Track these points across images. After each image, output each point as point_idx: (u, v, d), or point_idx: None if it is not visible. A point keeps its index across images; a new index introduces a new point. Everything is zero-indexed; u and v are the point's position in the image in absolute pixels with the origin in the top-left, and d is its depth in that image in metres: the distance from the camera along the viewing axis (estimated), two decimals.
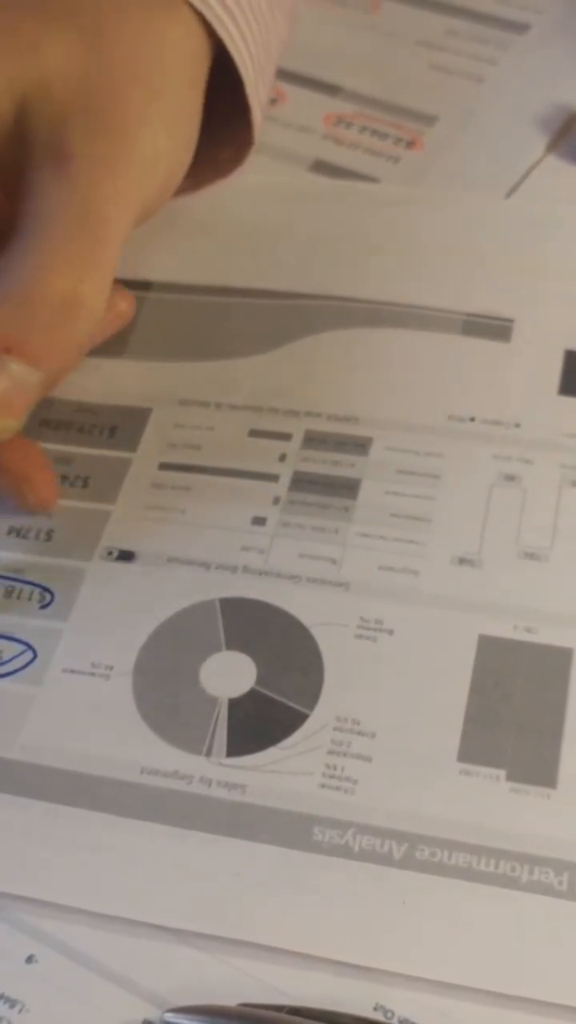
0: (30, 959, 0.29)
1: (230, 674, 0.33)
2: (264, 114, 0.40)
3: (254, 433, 0.38)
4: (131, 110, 0.35)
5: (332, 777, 0.31)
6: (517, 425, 0.37)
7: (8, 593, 0.35)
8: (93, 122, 0.34)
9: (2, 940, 0.29)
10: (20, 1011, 0.28)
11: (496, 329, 0.40)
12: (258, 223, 0.43)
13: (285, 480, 0.37)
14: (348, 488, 0.36)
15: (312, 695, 0.33)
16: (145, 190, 0.35)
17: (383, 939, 0.29)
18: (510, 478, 0.36)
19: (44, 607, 0.35)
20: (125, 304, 0.40)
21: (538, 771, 0.31)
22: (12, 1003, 0.28)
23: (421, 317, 0.40)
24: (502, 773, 0.31)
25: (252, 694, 0.33)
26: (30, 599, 0.35)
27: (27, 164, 0.34)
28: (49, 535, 0.36)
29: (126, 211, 0.34)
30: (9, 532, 0.36)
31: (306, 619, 0.34)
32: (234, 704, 0.33)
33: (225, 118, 0.39)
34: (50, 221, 0.33)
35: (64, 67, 0.35)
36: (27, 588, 0.35)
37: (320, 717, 0.32)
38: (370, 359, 0.39)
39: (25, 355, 0.32)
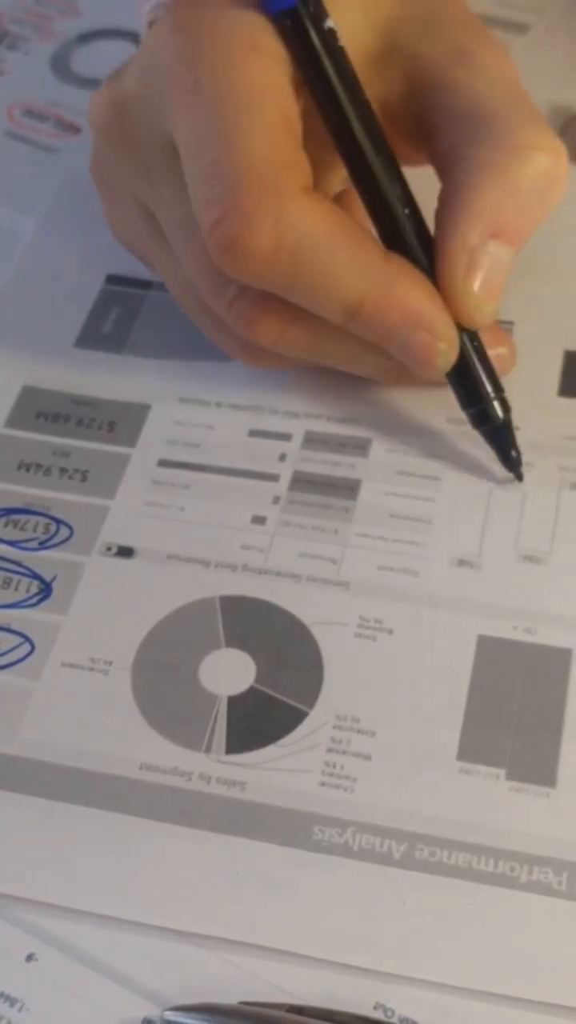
0: (30, 957, 0.29)
1: (229, 672, 0.33)
2: None
3: (254, 433, 0.38)
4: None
5: (331, 775, 0.31)
6: (517, 427, 0.37)
7: (6, 583, 0.35)
8: (462, 24, 0.35)
9: (1, 938, 0.29)
10: (20, 1010, 0.28)
11: None
12: None
13: (285, 480, 0.37)
14: (348, 489, 0.36)
15: (312, 693, 0.33)
16: None
17: (382, 939, 0.29)
18: (509, 480, 0.36)
19: (42, 599, 0.35)
20: (506, 349, 0.37)
21: (538, 770, 0.31)
22: (12, 1001, 0.28)
23: None
24: (502, 772, 0.31)
25: (251, 692, 0.33)
26: (28, 591, 0.35)
27: (423, 76, 0.35)
28: (47, 527, 0.36)
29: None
30: (7, 524, 0.36)
31: (306, 618, 0.34)
32: (233, 701, 0.33)
33: None
34: (496, 104, 0.34)
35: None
36: (25, 580, 0.35)
37: (320, 715, 0.32)
38: None
39: (507, 237, 0.33)
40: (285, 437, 0.38)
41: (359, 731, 0.32)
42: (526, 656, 0.33)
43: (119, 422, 0.38)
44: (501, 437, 0.36)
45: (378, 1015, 0.28)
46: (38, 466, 0.38)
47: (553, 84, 0.47)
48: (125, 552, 0.36)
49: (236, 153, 0.32)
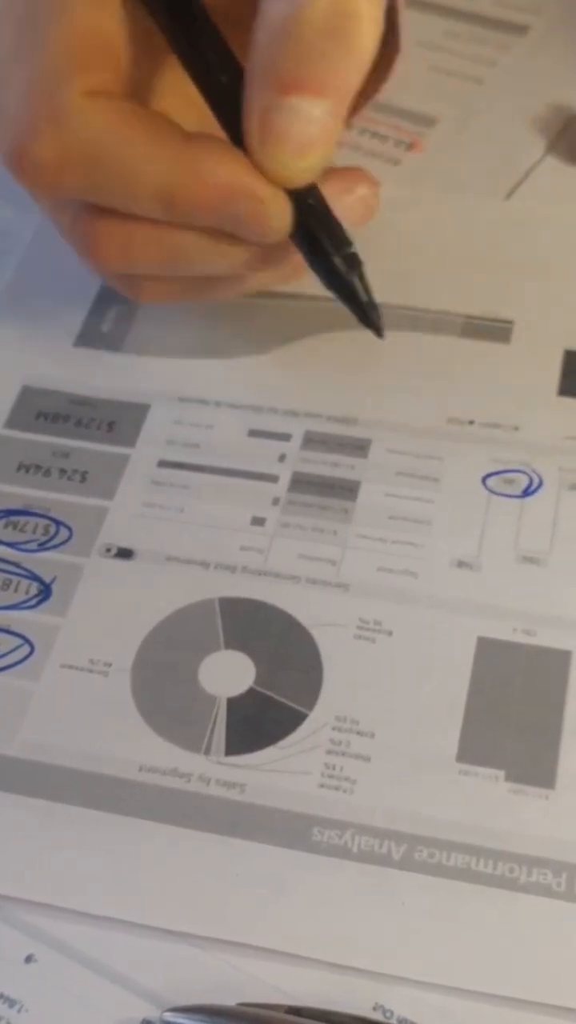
0: (29, 959, 0.29)
1: (229, 673, 0.33)
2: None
3: (254, 433, 0.38)
4: None
5: (331, 777, 0.31)
6: (516, 428, 0.37)
7: (6, 584, 0.35)
8: None
9: (1, 939, 0.29)
10: (19, 1011, 0.28)
11: (495, 331, 0.40)
12: None
13: (284, 481, 0.37)
14: (347, 490, 0.36)
15: (311, 695, 0.33)
16: None
17: (381, 940, 0.29)
18: (509, 481, 0.36)
19: (41, 601, 0.35)
20: (366, 188, 0.36)
21: (537, 772, 0.31)
22: (11, 1003, 0.28)
23: (421, 319, 0.40)
24: (501, 774, 0.31)
25: (251, 693, 0.33)
26: (27, 592, 0.35)
27: None
28: (47, 529, 0.36)
29: None
30: (6, 525, 0.36)
31: (305, 619, 0.34)
32: (233, 703, 0.33)
33: None
34: None
35: None
36: (25, 581, 0.35)
37: (319, 717, 0.32)
38: (370, 361, 0.39)
39: (307, 89, 0.31)
40: (285, 437, 0.38)
41: (358, 733, 0.32)
42: (526, 658, 0.33)
43: (118, 422, 0.38)
44: (350, 292, 0.34)
45: (377, 1016, 0.28)
46: (37, 467, 0.38)
47: (553, 84, 0.47)
48: (124, 553, 0.36)
49: (22, 68, 0.32)
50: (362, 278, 0.34)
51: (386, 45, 0.38)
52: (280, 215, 0.33)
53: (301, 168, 0.32)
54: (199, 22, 0.34)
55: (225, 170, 0.32)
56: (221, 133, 0.33)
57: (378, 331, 0.35)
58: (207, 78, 0.33)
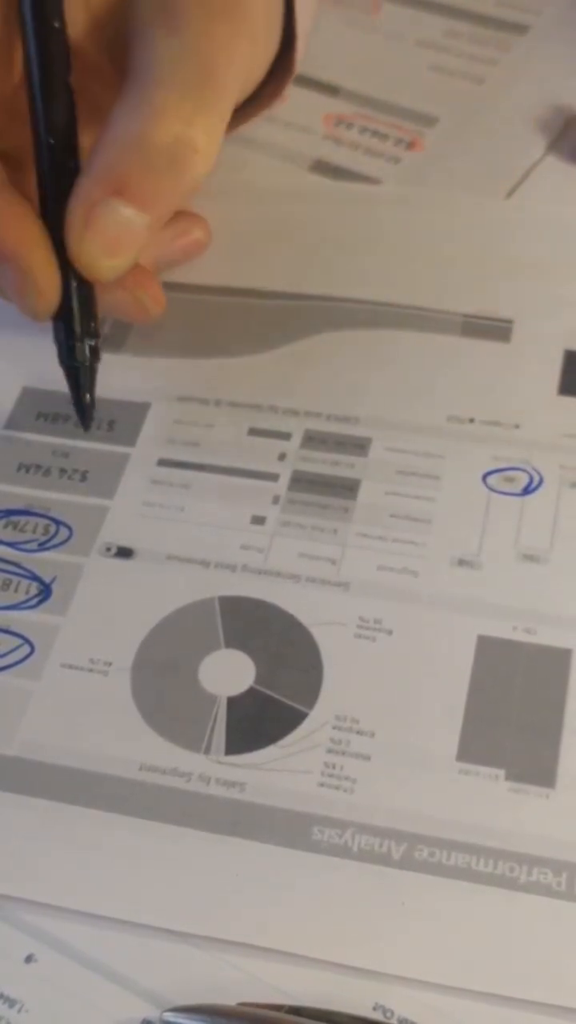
0: (29, 958, 0.29)
1: (229, 672, 0.33)
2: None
3: (253, 431, 0.38)
4: None
5: (331, 776, 0.31)
6: (516, 426, 0.37)
7: (6, 584, 0.35)
8: None
9: (1, 939, 0.29)
10: (19, 1011, 0.28)
11: (496, 330, 0.40)
12: (258, 223, 0.43)
13: (284, 479, 0.37)
14: (347, 488, 0.36)
15: (311, 694, 0.33)
16: (251, 57, 0.36)
17: (381, 940, 0.29)
18: (509, 480, 0.36)
19: (41, 601, 0.35)
20: (201, 231, 0.40)
21: (537, 771, 0.31)
22: (11, 1003, 0.28)
23: (421, 318, 0.40)
24: (501, 773, 0.31)
25: (251, 692, 0.33)
26: (27, 592, 0.35)
27: (134, 27, 0.35)
28: (47, 528, 0.36)
29: (237, 68, 0.35)
30: (7, 525, 0.36)
31: (305, 618, 0.34)
32: (233, 702, 0.33)
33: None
34: (163, 70, 0.34)
35: None
36: (25, 581, 0.35)
37: (319, 716, 0.32)
38: (370, 360, 0.39)
39: (134, 198, 0.33)
40: (285, 436, 0.38)
41: (358, 732, 0.32)
42: (526, 656, 0.33)
43: (118, 421, 0.38)
44: (79, 379, 0.36)
45: (377, 1016, 0.28)
46: (38, 467, 0.38)
47: (553, 84, 0.47)
48: (124, 552, 0.36)
49: None
50: (95, 372, 0.36)
51: (280, 66, 0.40)
52: (43, 296, 0.35)
53: (107, 265, 0.34)
54: (59, 86, 0.35)
55: (12, 234, 0.34)
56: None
57: (86, 426, 0.36)
58: (46, 144, 0.35)
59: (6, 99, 0.37)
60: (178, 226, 0.38)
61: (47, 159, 0.35)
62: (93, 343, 0.36)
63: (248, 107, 0.40)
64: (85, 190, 0.33)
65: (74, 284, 0.35)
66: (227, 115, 0.35)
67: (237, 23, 0.35)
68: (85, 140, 0.35)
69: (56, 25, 0.35)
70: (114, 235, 0.33)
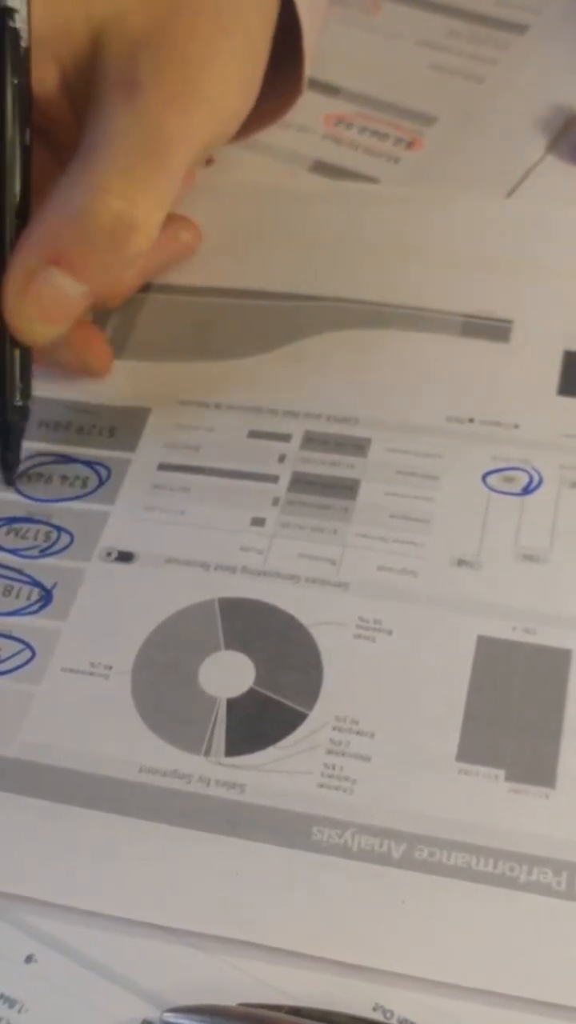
0: (29, 959, 0.29)
1: (229, 674, 0.33)
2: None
3: (253, 434, 0.38)
4: (201, 47, 0.36)
5: (331, 777, 0.31)
6: (516, 426, 0.37)
7: (7, 591, 0.35)
8: (164, 56, 0.35)
9: (1, 940, 0.29)
10: (19, 1011, 0.28)
11: (495, 330, 0.40)
12: (258, 223, 0.43)
13: (284, 481, 0.37)
14: (347, 489, 0.37)
15: (311, 695, 0.33)
16: (209, 126, 0.36)
17: (381, 939, 0.29)
18: (509, 479, 0.36)
19: (43, 606, 0.35)
20: (189, 235, 0.41)
21: (537, 771, 0.31)
22: (11, 1003, 0.28)
23: (420, 318, 0.40)
24: (501, 773, 0.31)
25: (251, 694, 0.33)
26: (28, 598, 0.35)
27: (96, 92, 0.35)
28: (48, 535, 0.36)
29: (189, 144, 0.35)
30: (8, 532, 0.36)
31: (305, 619, 0.34)
32: (233, 704, 0.33)
33: (273, 66, 0.40)
34: (111, 145, 0.34)
35: (140, 1, 0.36)
36: (26, 587, 0.35)
37: (319, 717, 0.32)
38: (369, 360, 0.39)
39: (71, 269, 0.34)
40: (284, 438, 0.38)
41: (358, 732, 0.32)
42: (526, 656, 0.33)
43: (119, 427, 0.39)
44: (7, 437, 0.37)
45: (377, 1016, 0.28)
46: (39, 474, 0.38)
47: (553, 84, 0.47)
48: (125, 557, 0.36)
49: None
50: (21, 431, 0.37)
51: (287, 81, 0.40)
52: None
53: (40, 331, 0.35)
54: (13, 147, 0.35)
55: None
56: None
57: (7, 480, 0.37)
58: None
59: None
60: (167, 230, 0.38)
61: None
62: (24, 403, 0.36)
63: (250, 124, 0.40)
64: (24, 256, 0.34)
65: (8, 346, 0.36)
66: (173, 191, 0.35)
67: (193, 89, 0.35)
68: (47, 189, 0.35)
69: (16, 82, 0.35)
70: (50, 302, 0.34)
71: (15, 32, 0.35)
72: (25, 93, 0.35)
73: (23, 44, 0.35)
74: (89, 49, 0.36)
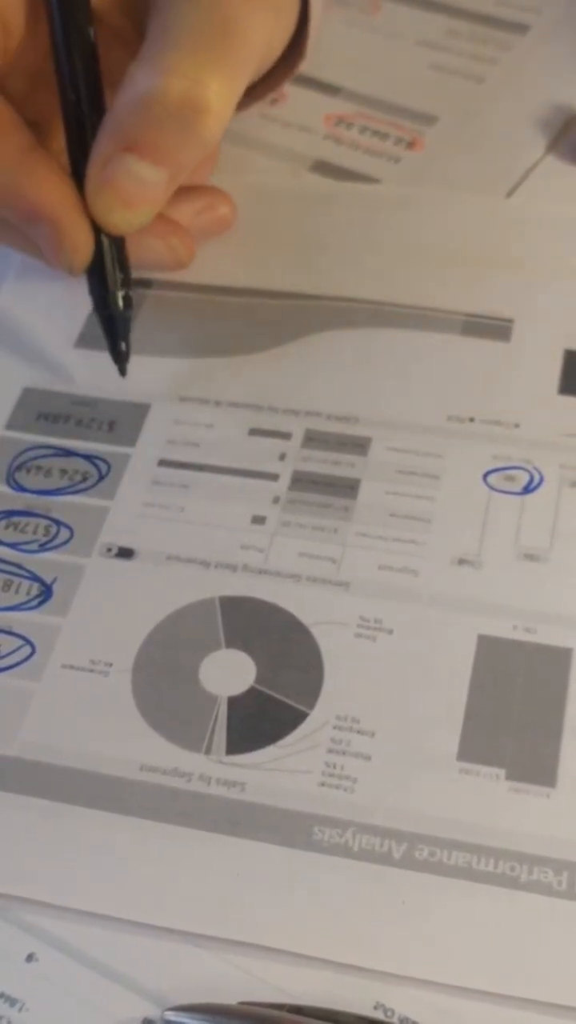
0: (30, 958, 0.29)
1: (230, 672, 0.33)
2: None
3: (254, 431, 0.38)
4: None
5: (332, 776, 0.31)
6: (517, 425, 0.37)
7: (7, 585, 0.35)
8: None
9: (2, 939, 0.29)
10: (20, 1010, 0.28)
11: (496, 329, 0.40)
12: (259, 224, 0.43)
13: (285, 479, 0.37)
14: (348, 488, 0.36)
15: (312, 694, 0.33)
16: (273, 28, 0.37)
17: (382, 939, 0.29)
18: (510, 479, 0.36)
19: (43, 602, 0.35)
20: (226, 208, 0.41)
21: (537, 770, 0.31)
22: (12, 1002, 0.28)
23: (421, 317, 0.40)
24: (502, 772, 0.31)
25: (251, 692, 0.33)
26: (28, 593, 0.35)
27: None
28: (47, 529, 0.36)
29: (256, 35, 0.36)
30: (7, 526, 0.36)
31: (305, 618, 0.34)
32: (233, 702, 0.33)
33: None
34: (178, 30, 0.35)
35: None
36: (26, 582, 0.35)
37: (320, 716, 0.32)
38: (370, 359, 0.39)
39: (145, 153, 0.34)
40: (285, 436, 0.38)
41: (359, 731, 0.32)
42: (526, 655, 0.33)
43: (119, 422, 0.38)
44: (114, 327, 0.37)
45: (378, 1015, 0.28)
46: (38, 468, 0.38)
47: (553, 84, 0.47)
48: (125, 553, 0.36)
49: None
50: (128, 320, 0.37)
51: (292, 49, 0.40)
52: (78, 252, 0.35)
53: (123, 219, 0.35)
54: (82, 45, 0.36)
55: (45, 191, 0.35)
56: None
57: (122, 371, 0.37)
58: (71, 101, 0.36)
59: (33, 68, 0.37)
60: (203, 200, 0.38)
61: (72, 117, 0.36)
62: (125, 293, 0.36)
63: (258, 86, 0.40)
64: (100, 146, 0.34)
65: (105, 239, 0.36)
66: (243, 80, 0.35)
67: None
68: (111, 103, 0.35)
69: None
70: (128, 189, 0.34)
71: None
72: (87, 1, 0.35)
73: None
74: None
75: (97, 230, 0.35)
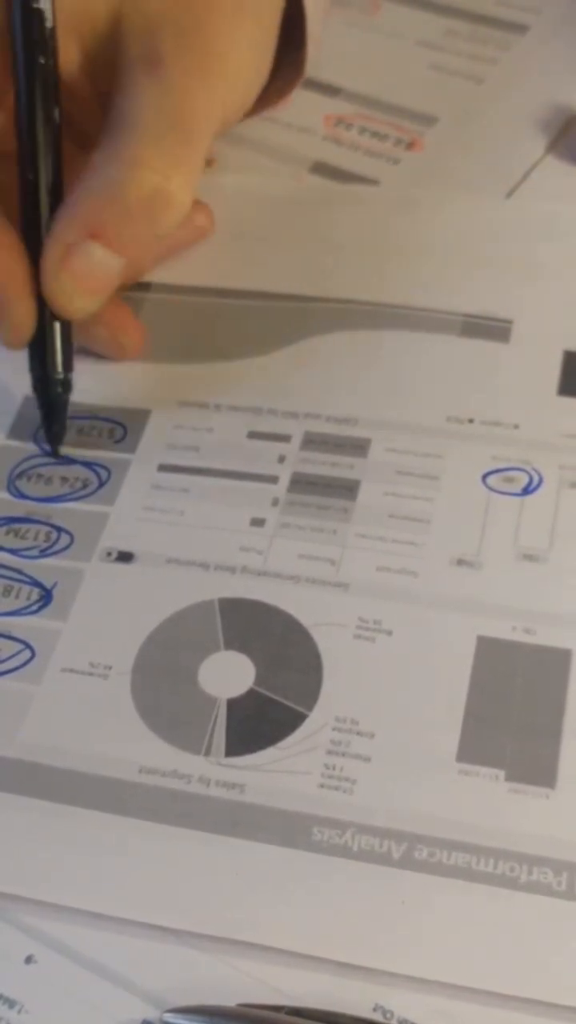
0: (29, 959, 0.29)
1: (229, 674, 0.33)
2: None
3: (253, 435, 0.38)
4: (219, 21, 0.37)
5: (331, 777, 0.31)
6: (516, 426, 0.37)
7: (7, 591, 0.35)
8: (184, 31, 0.36)
9: (1, 940, 0.29)
10: (19, 1011, 0.28)
11: (495, 330, 0.40)
12: (258, 225, 0.43)
13: (284, 481, 0.37)
14: (347, 489, 0.36)
15: (311, 695, 0.33)
16: (231, 99, 0.37)
17: (382, 939, 0.29)
18: (509, 480, 0.36)
19: (43, 606, 0.35)
20: (203, 218, 0.41)
21: (537, 771, 0.31)
22: (11, 1003, 0.28)
23: (420, 318, 0.40)
24: (501, 773, 0.31)
25: (251, 694, 0.33)
26: (28, 598, 0.35)
27: (119, 69, 0.36)
28: (48, 535, 0.36)
29: (212, 118, 0.36)
30: (8, 532, 0.36)
31: (305, 619, 0.34)
32: (233, 704, 0.33)
33: (278, 50, 0.40)
34: (141, 120, 0.35)
35: None
36: (26, 587, 0.35)
37: (319, 717, 0.32)
38: (369, 361, 0.39)
39: (110, 243, 0.34)
40: (284, 438, 0.38)
41: (358, 733, 0.32)
42: (526, 656, 0.33)
43: (119, 429, 0.39)
44: (52, 409, 0.37)
45: (377, 1017, 0.28)
46: (39, 475, 0.38)
47: (553, 84, 0.47)
48: (125, 557, 0.36)
49: None
50: (66, 403, 0.37)
51: (290, 67, 0.41)
52: (18, 329, 0.36)
53: (79, 304, 0.36)
54: (45, 123, 0.36)
55: None
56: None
57: (54, 452, 0.38)
58: (28, 180, 0.36)
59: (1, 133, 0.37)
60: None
61: (29, 197, 0.36)
62: (65, 376, 0.37)
63: (255, 105, 0.40)
64: (62, 231, 0.35)
65: (57, 323, 0.36)
66: (201, 164, 0.36)
67: (214, 65, 0.36)
68: (72, 171, 0.36)
69: (43, 62, 0.35)
70: (88, 276, 0.35)
71: (40, 12, 0.35)
72: (52, 72, 0.36)
73: (48, 24, 0.35)
74: (109, 27, 0.37)
75: (41, 311, 0.36)
